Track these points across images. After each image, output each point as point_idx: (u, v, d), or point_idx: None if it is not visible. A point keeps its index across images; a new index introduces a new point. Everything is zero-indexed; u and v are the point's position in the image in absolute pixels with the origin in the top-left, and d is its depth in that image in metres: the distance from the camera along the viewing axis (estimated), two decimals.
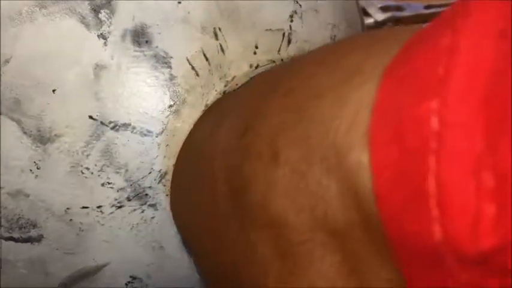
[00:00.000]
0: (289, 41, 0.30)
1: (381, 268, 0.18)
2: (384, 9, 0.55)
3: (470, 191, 0.14)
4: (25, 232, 0.27)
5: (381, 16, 0.55)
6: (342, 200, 0.18)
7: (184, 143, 0.27)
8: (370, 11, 0.54)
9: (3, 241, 0.27)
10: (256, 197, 0.21)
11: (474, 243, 0.14)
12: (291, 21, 0.30)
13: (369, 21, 0.54)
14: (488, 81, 0.15)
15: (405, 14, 0.56)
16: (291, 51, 0.30)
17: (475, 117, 0.15)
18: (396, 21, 0.55)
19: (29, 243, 0.28)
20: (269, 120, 0.22)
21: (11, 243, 0.28)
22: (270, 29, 0.29)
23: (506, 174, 0.14)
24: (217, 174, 0.23)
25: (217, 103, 0.28)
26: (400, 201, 0.16)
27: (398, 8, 0.57)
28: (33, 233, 0.27)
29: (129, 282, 0.29)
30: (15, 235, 0.27)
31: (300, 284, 0.20)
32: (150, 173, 0.27)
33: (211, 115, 0.27)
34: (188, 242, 0.28)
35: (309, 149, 0.19)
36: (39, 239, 0.28)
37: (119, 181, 0.27)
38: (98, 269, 0.28)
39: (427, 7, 0.55)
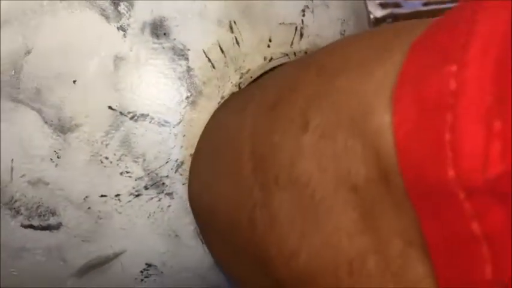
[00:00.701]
0: (301, 35, 0.30)
1: (395, 219, 0.20)
2: (383, 5, 0.56)
3: (480, 135, 0.17)
4: (44, 220, 0.28)
5: (380, 13, 0.56)
6: (365, 158, 0.20)
7: (202, 133, 0.28)
8: (370, 7, 0.55)
9: (22, 229, 0.28)
10: (283, 161, 0.22)
11: (483, 173, 0.17)
12: (303, 15, 0.30)
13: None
14: (501, 48, 0.17)
15: (403, 11, 0.57)
16: (303, 44, 0.30)
17: (488, 78, 0.17)
18: (395, 18, 0.56)
19: (47, 231, 0.28)
20: (301, 92, 0.23)
21: (30, 230, 0.28)
22: (283, 23, 0.30)
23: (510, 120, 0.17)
24: (243, 148, 0.24)
25: (237, 94, 0.28)
26: (419, 151, 0.18)
27: (397, 5, 0.57)
28: (52, 220, 0.28)
29: (144, 269, 0.30)
30: (35, 223, 0.28)
31: (320, 239, 0.21)
32: (167, 162, 0.28)
33: (232, 103, 0.28)
34: (204, 228, 0.29)
35: (337, 115, 0.21)
36: (57, 226, 0.28)
37: (137, 170, 0.28)
38: (115, 256, 0.29)
39: (426, 4, 0.56)
